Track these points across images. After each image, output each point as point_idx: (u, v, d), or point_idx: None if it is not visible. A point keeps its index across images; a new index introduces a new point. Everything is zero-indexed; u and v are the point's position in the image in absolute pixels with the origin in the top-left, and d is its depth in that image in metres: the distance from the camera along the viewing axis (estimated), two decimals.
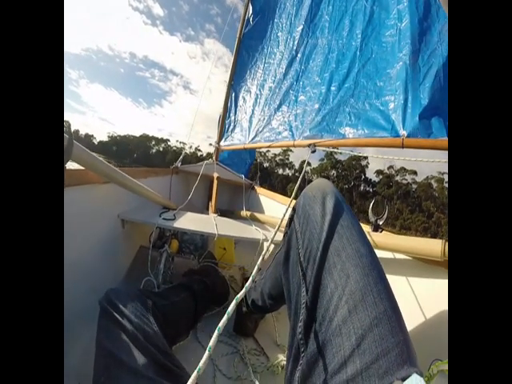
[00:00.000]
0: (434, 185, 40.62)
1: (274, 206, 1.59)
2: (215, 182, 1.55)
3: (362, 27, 0.99)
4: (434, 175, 41.54)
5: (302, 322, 0.38)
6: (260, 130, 1.50)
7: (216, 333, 0.28)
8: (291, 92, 1.31)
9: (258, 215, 1.30)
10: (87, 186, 0.73)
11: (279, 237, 0.55)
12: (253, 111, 1.69)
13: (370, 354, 0.29)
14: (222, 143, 2.03)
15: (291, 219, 0.49)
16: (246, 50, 2.03)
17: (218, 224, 0.99)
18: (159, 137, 73.64)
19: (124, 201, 0.98)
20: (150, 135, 70.66)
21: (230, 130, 1.97)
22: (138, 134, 69.82)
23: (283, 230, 0.55)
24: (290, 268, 0.46)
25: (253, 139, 1.56)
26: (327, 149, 0.90)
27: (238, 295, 0.35)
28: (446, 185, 38.51)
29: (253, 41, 1.96)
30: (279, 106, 1.37)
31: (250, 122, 1.68)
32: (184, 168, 1.95)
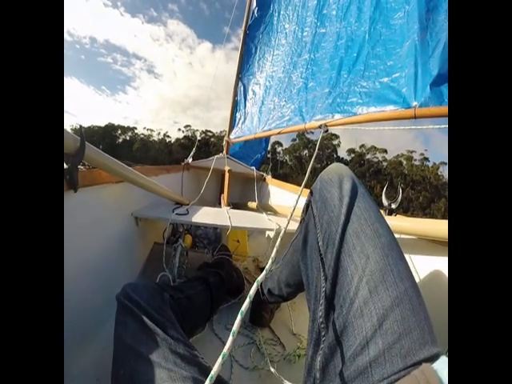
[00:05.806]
0: (404, 162, 41.22)
1: (286, 196, 1.61)
2: (227, 175, 1.56)
3: (370, 12, 1.01)
4: (404, 153, 42.16)
5: (323, 305, 0.38)
6: (270, 118, 1.53)
7: (239, 316, 0.28)
8: (301, 80, 1.34)
9: (270, 206, 1.32)
10: (101, 185, 0.73)
11: (293, 226, 0.53)
12: (263, 102, 1.72)
13: (392, 333, 0.29)
14: (232, 136, 2.07)
15: (308, 205, 0.48)
16: (253, 41, 2.06)
17: (231, 216, 1.00)
18: (125, 125, 66.69)
19: (137, 199, 0.98)
20: (116, 124, 64.30)
21: (240, 122, 2.00)
22: (102, 124, 63.91)
23: (297, 218, 0.55)
24: (309, 253, 0.46)
25: (263, 128, 1.59)
26: (339, 127, 0.93)
27: (259, 277, 0.34)
28: (415, 162, 39.44)
29: (259, 33, 1.99)
30: (289, 94, 1.40)
31: (260, 112, 1.71)
32: (195, 164, 1.98)
